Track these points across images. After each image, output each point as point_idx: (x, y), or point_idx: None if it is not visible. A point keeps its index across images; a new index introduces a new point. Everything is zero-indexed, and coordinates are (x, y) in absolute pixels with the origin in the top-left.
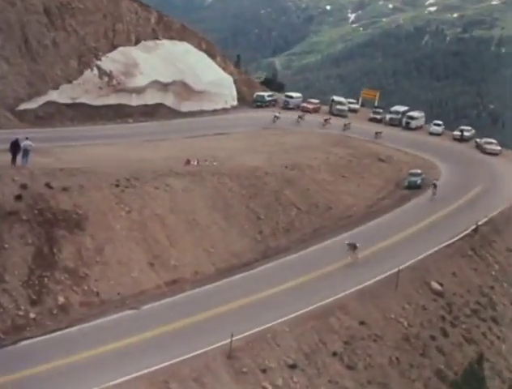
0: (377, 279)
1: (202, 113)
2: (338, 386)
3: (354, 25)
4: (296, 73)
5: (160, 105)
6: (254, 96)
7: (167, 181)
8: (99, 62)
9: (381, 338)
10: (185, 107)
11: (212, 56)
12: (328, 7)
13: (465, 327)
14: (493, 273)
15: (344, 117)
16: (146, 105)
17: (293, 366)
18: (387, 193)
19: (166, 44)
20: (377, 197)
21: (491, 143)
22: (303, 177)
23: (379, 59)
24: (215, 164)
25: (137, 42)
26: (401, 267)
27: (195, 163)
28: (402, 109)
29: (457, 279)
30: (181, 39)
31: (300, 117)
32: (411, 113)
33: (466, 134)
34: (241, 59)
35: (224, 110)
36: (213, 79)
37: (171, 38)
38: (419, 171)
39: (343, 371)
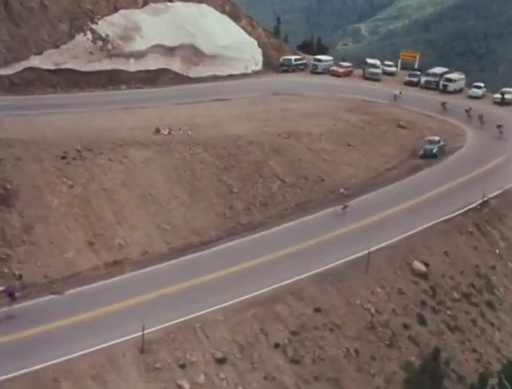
0: (347, 259)
1: (214, 78)
2: (274, 383)
3: None
4: (383, 39)
5: (164, 71)
6: (281, 60)
7: (126, 153)
8: (94, 26)
9: (339, 327)
10: (195, 72)
11: (237, 18)
12: None
13: (450, 313)
14: (497, 251)
15: (378, 80)
16: (147, 71)
17: (222, 360)
18: (398, 162)
19: (179, 6)
20: (384, 167)
21: None
22: (297, 146)
23: (470, 22)
24: (189, 133)
25: (145, 5)
26: (382, 246)
27: (166, 132)
28: (441, 70)
29: (449, 258)
30: (200, 1)
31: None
32: (449, 76)
33: (507, 96)
34: (280, 22)
35: (243, 75)
36: (230, 42)
37: (187, 0)
38: (437, 138)
39: (285, 366)
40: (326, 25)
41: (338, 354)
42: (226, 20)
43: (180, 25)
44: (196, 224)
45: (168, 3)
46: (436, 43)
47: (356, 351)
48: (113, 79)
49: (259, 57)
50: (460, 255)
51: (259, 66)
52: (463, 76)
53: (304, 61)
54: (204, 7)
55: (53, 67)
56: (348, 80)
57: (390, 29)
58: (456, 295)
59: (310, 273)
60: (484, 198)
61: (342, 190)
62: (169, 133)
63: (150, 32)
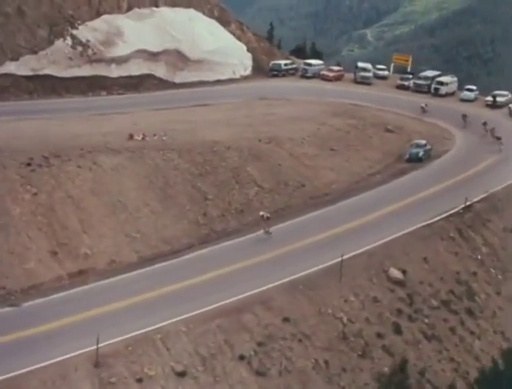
0: (319, 267)
1: (201, 83)
2: None
3: None
4: (389, 44)
5: (147, 76)
6: (270, 64)
7: (96, 159)
8: (75, 31)
9: (308, 337)
10: (180, 78)
11: (225, 23)
12: None
13: (428, 321)
14: (479, 257)
15: (369, 84)
16: (130, 77)
17: (182, 374)
18: (383, 167)
19: (165, 11)
20: (367, 172)
21: None
22: (278, 151)
23: (476, 26)
24: (164, 138)
25: (129, 10)
26: (358, 252)
27: (139, 138)
28: (432, 73)
29: (428, 265)
30: (188, 6)
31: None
32: (440, 79)
33: (499, 99)
34: (273, 28)
35: (231, 80)
36: (217, 47)
37: (174, 5)
38: (423, 142)
39: (249, 378)
40: (332, 31)
41: (306, 365)
42: (214, 25)
43: (165, 30)
44: (167, 232)
45: (154, 8)
46: (442, 48)
47: (326, 362)
48: (93, 85)
49: (248, 62)
50: (440, 261)
51: (248, 71)
52: (455, 79)
53: (294, 66)
54: (192, 12)
55: (29, 73)
56: (339, 84)
57: (395, 34)
58: (434, 302)
59: (280, 282)
60: (467, 203)
61: (262, 213)
62: (143, 139)
63: (133, 37)
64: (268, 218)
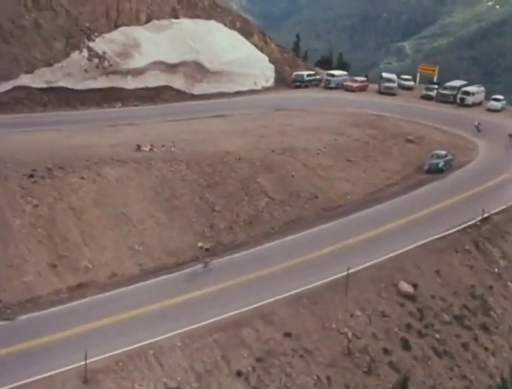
0: (325, 281)
1: (220, 95)
2: None
3: (490, 3)
4: (427, 56)
5: (165, 88)
6: (293, 75)
7: (100, 171)
8: (91, 43)
9: (310, 353)
10: (199, 89)
11: (248, 34)
12: None
13: (439, 336)
14: (496, 270)
15: (393, 95)
16: (146, 88)
17: None
18: (401, 178)
19: (184, 22)
20: (384, 183)
21: None
22: (291, 162)
23: None
24: (172, 149)
25: (148, 22)
26: (367, 265)
27: (147, 149)
28: (459, 83)
29: (440, 278)
30: (209, 17)
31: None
32: (466, 88)
33: None
34: (300, 39)
35: (252, 92)
36: (237, 58)
37: (195, 17)
38: (443, 152)
39: None
40: (370, 44)
41: (307, 382)
42: (235, 36)
43: (183, 41)
44: (172, 245)
45: (173, 20)
46: (481, 59)
47: (328, 378)
48: (109, 97)
49: (270, 73)
50: (454, 275)
51: (270, 82)
52: (482, 89)
53: (317, 77)
54: (212, 23)
55: (44, 86)
56: (362, 95)
57: (433, 47)
58: (446, 317)
59: (283, 295)
60: (485, 215)
61: (201, 245)
62: (151, 150)
63: (150, 48)
64: (207, 249)
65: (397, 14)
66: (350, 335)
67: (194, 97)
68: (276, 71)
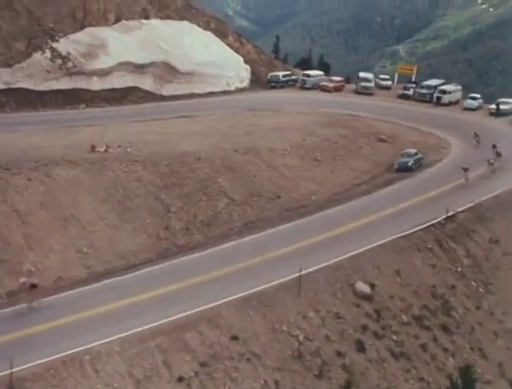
0: (278, 282)
1: (191, 96)
2: None
3: (483, 6)
4: (421, 59)
5: (133, 89)
6: (268, 76)
7: (50, 172)
8: (55, 44)
9: (258, 357)
10: (168, 90)
11: (222, 35)
12: None
13: (396, 338)
14: (459, 269)
15: (370, 94)
16: (113, 90)
17: None
18: (370, 177)
19: (155, 23)
20: (352, 183)
21: None
22: (255, 162)
23: (510, 40)
24: (129, 150)
25: (117, 22)
26: (322, 265)
27: (102, 149)
28: (436, 82)
29: (401, 278)
30: (182, 18)
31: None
32: (443, 87)
33: (503, 107)
34: (280, 40)
35: (225, 93)
36: (209, 59)
37: (167, 17)
38: (413, 151)
39: None
40: (364, 48)
41: (253, 387)
42: (209, 37)
43: (153, 42)
44: (123, 247)
45: (143, 20)
46: (475, 62)
47: (276, 382)
48: (72, 99)
49: (246, 74)
50: (415, 274)
51: (245, 83)
52: (459, 87)
53: (293, 77)
54: (185, 24)
55: (2, 87)
56: (338, 95)
57: (427, 50)
58: (405, 318)
59: (233, 297)
60: (450, 213)
61: (23, 280)
62: (106, 150)
63: (117, 49)
64: (34, 286)
65: (391, 17)
66: (301, 337)
67: (163, 98)
68: (252, 72)
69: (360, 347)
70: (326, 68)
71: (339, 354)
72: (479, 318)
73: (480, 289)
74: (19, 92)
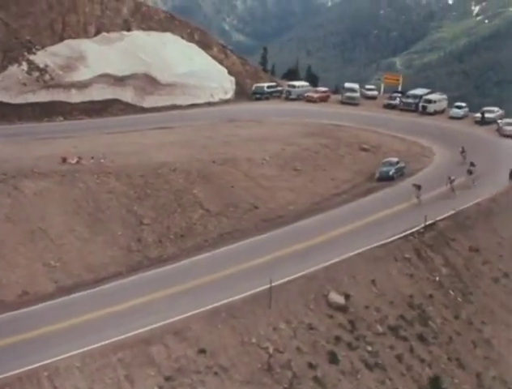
0: (248, 293)
1: (173, 107)
2: None
3: (479, 18)
4: (418, 71)
5: (113, 101)
6: (253, 87)
7: (18, 184)
8: (32, 57)
9: (225, 370)
10: (149, 102)
11: (206, 47)
12: (450, 1)
13: (371, 349)
14: (437, 279)
15: (356, 105)
16: (92, 102)
17: None
18: (350, 187)
19: (136, 35)
20: (331, 192)
21: (510, 124)
22: (232, 172)
23: (505, 51)
24: (102, 161)
25: (97, 34)
26: (296, 276)
27: (74, 161)
28: (422, 91)
29: (376, 288)
30: (165, 30)
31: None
32: (428, 96)
33: (488, 115)
34: (267, 52)
35: (208, 104)
36: (191, 70)
37: (149, 29)
38: (394, 160)
39: None
40: (361, 60)
41: None
42: (192, 48)
43: (133, 54)
44: (93, 260)
45: (124, 32)
46: (472, 73)
47: None
48: (50, 111)
49: (230, 86)
50: (391, 284)
51: (230, 95)
52: (445, 96)
53: (279, 89)
54: (167, 36)
55: None
56: (324, 105)
57: (424, 62)
58: (380, 328)
59: (201, 309)
60: (429, 222)
61: None
62: (77, 162)
63: (96, 61)
64: None
65: (387, 30)
66: (271, 349)
67: (144, 110)
68: (237, 84)
69: (333, 358)
70: (313, 79)
71: (311, 366)
72: (457, 328)
73: (459, 299)
74: None
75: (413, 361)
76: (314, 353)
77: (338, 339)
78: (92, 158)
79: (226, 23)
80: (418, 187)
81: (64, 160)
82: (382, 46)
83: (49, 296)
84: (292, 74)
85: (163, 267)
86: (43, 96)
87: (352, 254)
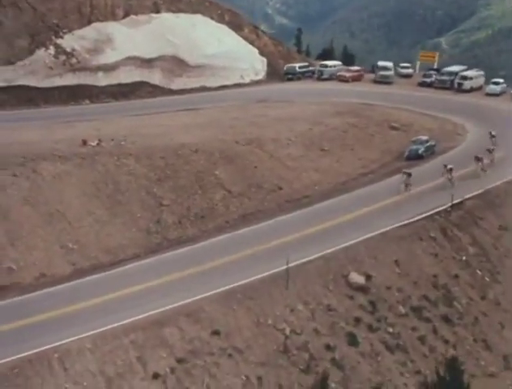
0: (265, 274)
1: (202, 89)
2: None
3: None
4: (465, 51)
5: (141, 84)
6: (285, 68)
7: (37, 167)
8: (59, 40)
9: (240, 352)
10: (177, 84)
11: (238, 28)
12: None
13: (392, 330)
14: (464, 258)
15: (389, 83)
16: (120, 85)
17: None
18: (378, 166)
19: (165, 17)
20: (358, 172)
21: None
22: (256, 153)
23: None
24: (122, 143)
25: (125, 17)
26: (316, 256)
27: (94, 143)
28: (458, 68)
29: (399, 268)
30: (195, 11)
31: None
32: (464, 73)
33: None
34: (302, 33)
35: (238, 85)
36: (221, 51)
37: (179, 11)
38: (424, 138)
39: None
40: (405, 41)
41: (234, 383)
42: (223, 29)
43: (161, 36)
44: (110, 242)
45: (153, 15)
46: None
47: (259, 378)
48: (76, 95)
49: (261, 66)
50: (415, 264)
51: (261, 76)
52: (482, 73)
53: (310, 69)
54: (197, 17)
55: (2, 84)
56: (356, 85)
57: (472, 41)
58: (402, 309)
59: (216, 291)
60: (456, 200)
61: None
62: (98, 144)
63: (124, 44)
64: None
65: (432, 9)
66: (288, 331)
67: (172, 92)
68: (269, 65)
69: (352, 340)
70: (350, 59)
71: (329, 348)
72: (483, 309)
73: (486, 278)
74: (19, 90)
75: (437, 342)
76: (332, 335)
77: (358, 320)
78: (113, 140)
79: (269, 7)
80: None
81: (84, 142)
82: (428, 26)
83: (65, 278)
84: (326, 55)
85: (181, 249)
86: (70, 80)
87: (374, 233)
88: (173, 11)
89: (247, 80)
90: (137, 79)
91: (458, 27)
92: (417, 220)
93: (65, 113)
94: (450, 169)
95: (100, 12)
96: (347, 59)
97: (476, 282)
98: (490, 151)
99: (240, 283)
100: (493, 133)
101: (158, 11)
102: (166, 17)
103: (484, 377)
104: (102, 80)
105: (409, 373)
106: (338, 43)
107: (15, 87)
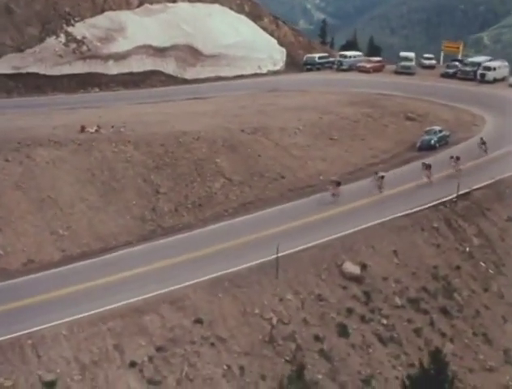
0: (254, 263)
1: (217, 79)
2: None
3: None
4: (507, 46)
5: (153, 73)
6: (304, 58)
7: (31, 153)
8: (70, 29)
9: (223, 341)
10: (191, 73)
11: (257, 18)
12: None
13: (386, 322)
14: (467, 249)
15: (411, 74)
16: (131, 74)
17: (51, 384)
18: (389, 157)
19: (181, 6)
20: (366, 162)
21: None
22: (261, 141)
23: None
24: (122, 130)
25: (140, 6)
26: (310, 245)
27: (92, 130)
28: (482, 59)
29: (397, 258)
30: (213, 1)
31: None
32: (487, 64)
33: None
34: (326, 24)
35: (255, 75)
36: (237, 41)
37: (197, 0)
38: (437, 128)
39: (138, 388)
40: (446, 37)
41: (215, 372)
42: (241, 19)
43: (176, 25)
44: (102, 229)
45: (169, 4)
46: None
47: (242, 368)
48: (86, 83)
49: (280, 57)
50: (415, 255)
51: (279, 66)
52: (506, 64)
53: (330, 59)
54: (214, 7)
55: (11, 71)
56: (376, 75)
57: None
58: (398, 301)
59: (203, 279)
60: (463, 191)
61: None
62: (96, 131)
63: (136, 32)
64: None
65: (474, 4)
66: (275, 320)
67: (186, 82)
68: (289, 55)
69: (343, 331)
70: (376, 51)
71: (318, 338)
72: (486, 301)
73: (490, 271)
74: (28, 77)
75: (433, 335)
76: (322, 325)
77: (350, 311)
78: (112, 127)
79: (308, 2)
80: (456, 158)
81: (83, 128)
82: (469, 22)
83: (54, 264)
84: (350, 46)
85: (175, 236)
86: (79, 68)
87: (371, 223)
88: (190, 1)
89: (264, 70)
90: (149, 67)
91: (500, 22)
92: (419, 211)
93: (71, 100)
94: (457, 158)
95: (113, 1)
96: (373, 51)
97: (479, 274)
98: (456, 159)
99: (228, 271)
100: (484, 139)
101: (175, 0)
102: (182, 6)
103: (483, 371)
104: (113, 69)
105: (402, 366)
106: (378, 39)
107: (24, 75)
